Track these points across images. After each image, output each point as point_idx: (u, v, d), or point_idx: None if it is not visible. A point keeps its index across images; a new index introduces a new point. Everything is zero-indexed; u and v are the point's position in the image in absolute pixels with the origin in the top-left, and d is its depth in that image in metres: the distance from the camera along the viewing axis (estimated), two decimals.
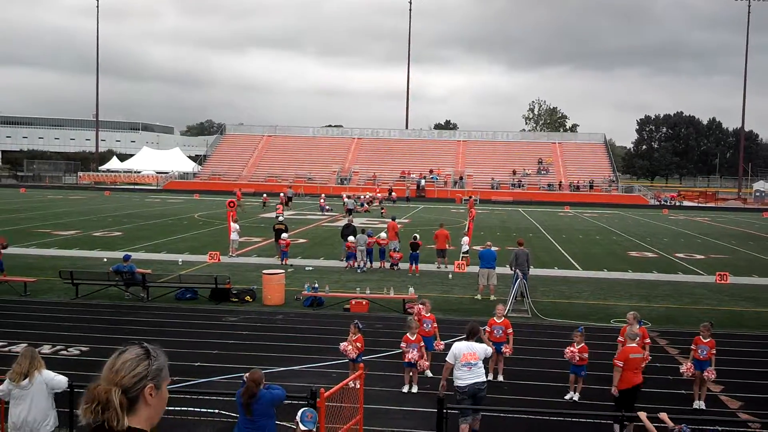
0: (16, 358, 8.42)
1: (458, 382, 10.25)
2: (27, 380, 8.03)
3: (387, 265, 26.72)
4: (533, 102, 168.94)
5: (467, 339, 10.57)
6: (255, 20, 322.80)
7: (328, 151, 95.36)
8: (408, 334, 12.61)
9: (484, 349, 10.57)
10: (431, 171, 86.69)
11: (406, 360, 12.55)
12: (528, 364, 14.36)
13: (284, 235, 27.54)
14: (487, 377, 11.09)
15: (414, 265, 25.72)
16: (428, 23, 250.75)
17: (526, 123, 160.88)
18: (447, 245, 27.45)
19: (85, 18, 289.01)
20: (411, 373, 12.74)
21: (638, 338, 11.43)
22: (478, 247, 25.24)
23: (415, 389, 12.64)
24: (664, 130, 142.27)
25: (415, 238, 26.66)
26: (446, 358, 10.55)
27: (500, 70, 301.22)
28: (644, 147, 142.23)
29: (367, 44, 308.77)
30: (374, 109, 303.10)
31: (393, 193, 73.85)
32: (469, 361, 10.24)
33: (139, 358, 2.78)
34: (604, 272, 27.51)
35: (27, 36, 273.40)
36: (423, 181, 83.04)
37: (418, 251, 25.94)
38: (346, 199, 53.37)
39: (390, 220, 29.32)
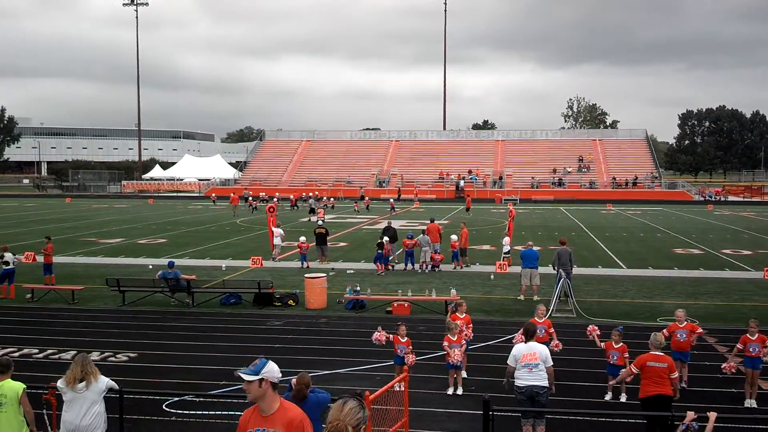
0: (69, 365, 8.59)
1: (517, 382, 10.21)
2: (82, 384, 8.20)
3: (425, 267, 26.66)
4: (571, 99, 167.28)
5: (525, 340, 10.50)
6: (287, 26, 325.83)
7: (367, 154, 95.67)
8: (449, 335, 12.58)
9: (545, 350, 10.45)
10: (470, 171, 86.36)
11: (449, 361, 12.53)
12: (572, 365, 14.21)
13: (302, 238, 27.79)
14: None
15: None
16: (458, 23, 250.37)
17: (565, 120, 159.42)
18: (467, 244, 27.84)
19: (119, 28, 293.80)
20: (455, 375, 12.70)
21: (664, 344, 10.63)
22: (519, 247, 25.07)
23: (459, 391, 12.59)
24: (707, 124, 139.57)
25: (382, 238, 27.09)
26: (507, 361, 10.50)
27: (532, 67, 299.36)
28: (687, 142, 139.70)
29: (399, 46, 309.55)
30: (410, 111, 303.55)
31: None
32: (529, 362, 10.17)
33: (359, 406, 4.14)
34: (649, 270, 27.11)
35: (65, 48, 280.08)
36: (462, 182, 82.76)
37: (381, 251, 26.31)
38: (311, 201, 57.22)
39: (429, 222, 29.26)
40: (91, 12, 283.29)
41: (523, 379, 10.16)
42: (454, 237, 27.45)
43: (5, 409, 8.21)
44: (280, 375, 5.17)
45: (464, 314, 13.92)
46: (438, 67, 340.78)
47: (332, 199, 60.59)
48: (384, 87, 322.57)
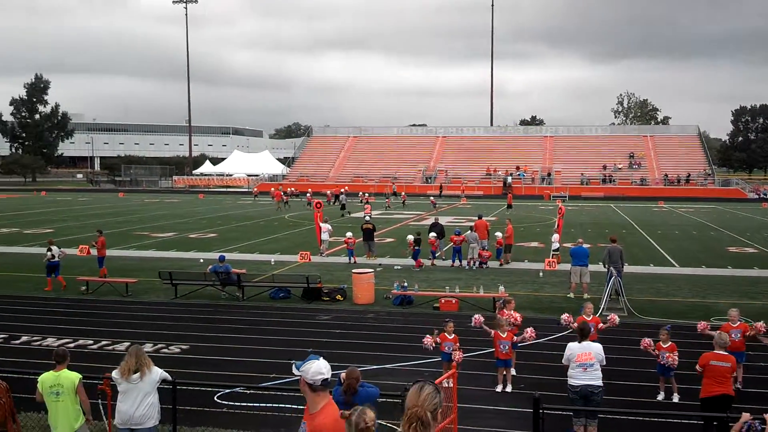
0: (123, 357, 8.77)
1: (571, 381, 10.14)
2: (136, 375, 8.36)
3: (473, 264, 26.53)
4: (621, 95, 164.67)
5: (580, 339, 10.41)
6: (335, 22, 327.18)
7: (413, 150, 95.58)
8: (498, 332, 12.51)
9: (600, 349, 10.34)
10: (518, 168, 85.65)
11: (499, 358, 12.46)
12: (623, 364, 14.00)
13: (349, 234, 27.86)
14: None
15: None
16: (504, 17, 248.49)
17: (615, 116, 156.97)
18: (512, 241, 27.83)
19: (170, 26, 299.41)
20: (504, 372, 12.63)
21: (729, 344, 10.51)
22: (569, 245, 24.79)
23: (509, 388, 12.52)
24: (761, 120, 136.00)
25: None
26: (562, 360, 10.42)
27: (581, 63, 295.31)
28: (740, 139, 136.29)
29: (446, 42, 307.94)
30: (456, 107, 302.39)
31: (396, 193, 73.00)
32: (584, 361, 10.08)
33: (435, 390, 4.06)
34: (702, 269, 26.56)
35: (117, 45, 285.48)
36: (509, 178, 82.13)
37: (419, 247, 26.74)
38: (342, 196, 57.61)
39: (477, 218, 29.10)
40: (142, 9, 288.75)
41: (578, 378, 10.06)
42: (498, 234, 27.38)
43: (62, 399, 8.41)
44: (320, 377, 4.86)
45: (513, 311, 13.84)
46: (484, 63, 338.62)
47: (366, 194, 61.11)
48: (430, 83, 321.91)
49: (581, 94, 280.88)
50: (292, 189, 72.47)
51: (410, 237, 27.73)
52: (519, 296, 19.26)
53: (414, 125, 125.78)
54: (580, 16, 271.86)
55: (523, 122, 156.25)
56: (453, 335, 12.55)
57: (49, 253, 22.06)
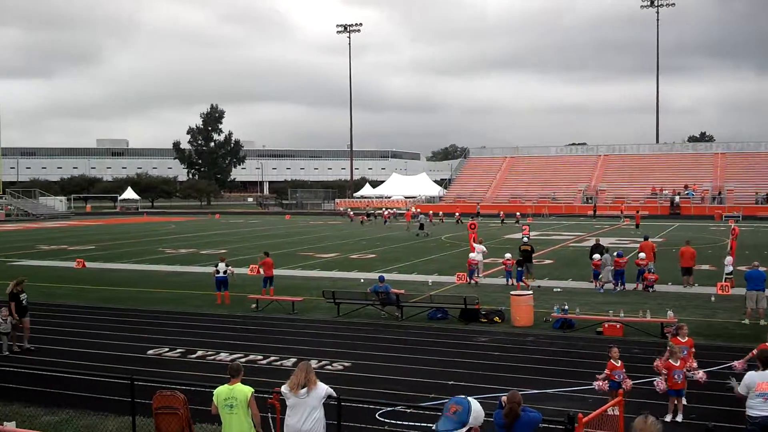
0: (289, 372, 9.17)
1: (750, 412, 9.55)
2: (304, 390, 8.71)
3: (641, 286, 25.48)
4: None
5: (761, 368, 9.78)
6: (488, 42, 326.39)
7: (573, 170, 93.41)
8: (671, 360, 11.92)
9: None
10: (686, 187, 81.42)
11: (670, 387, 11.87)
12: None
13: (471, 255, 27.41)
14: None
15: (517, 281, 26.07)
16: (667, 30, 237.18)
17: None
18: (693, 263, 26.03)
19: (330, 54, 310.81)
20: (675, 402, 12.01)
21: None
22: (743, 268, 23.24)
23: (679, 418, 11.88)
24: None
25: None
26: (738, 389, 9.84)
27: (752, 75, 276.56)
28: None
29: (603, 58, 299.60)
30: (616, 124, 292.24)
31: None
32: (765, 391, 9.48)
33: (657, 420, 4.14)
34: None
35: (284, 75, 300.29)
36: (677, 198, 78.20)
37: (521, 268, 26.42)
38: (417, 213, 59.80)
39: (643, 239, 27.96)
40: (308, 40, 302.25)
41: (757, 409, 9.45)
42: (642, 255, 26.21)
43: (236, 411, 8.87)
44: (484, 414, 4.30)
45: (686, 338, 13.19)
46: (645, 77, 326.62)
47: (431, 214, 62.47)
48: (588, 99, 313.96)
49: (754, 108, 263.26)
50: (368, 208, 77.91)
51: (508, 255, 27.22)
52: (689, 321, 18.19)
53: (573, 144, 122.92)
54: (748, 27, 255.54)
55: (692, 139, 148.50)
56: (620, 361, 12.08)
57: (214, 268, 23.79)
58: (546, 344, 17.71)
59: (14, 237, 55.65)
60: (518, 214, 66.61)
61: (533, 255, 29.01)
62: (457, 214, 69.93)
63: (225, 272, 23.60)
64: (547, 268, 32.25)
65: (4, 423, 8.70)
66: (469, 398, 4.27)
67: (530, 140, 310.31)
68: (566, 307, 19.92)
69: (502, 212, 69.00)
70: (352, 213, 76.69)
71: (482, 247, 29.47)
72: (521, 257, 28.09)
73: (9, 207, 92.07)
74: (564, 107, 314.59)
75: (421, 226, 53.94)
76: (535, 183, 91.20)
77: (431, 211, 70.68)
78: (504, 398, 7.76)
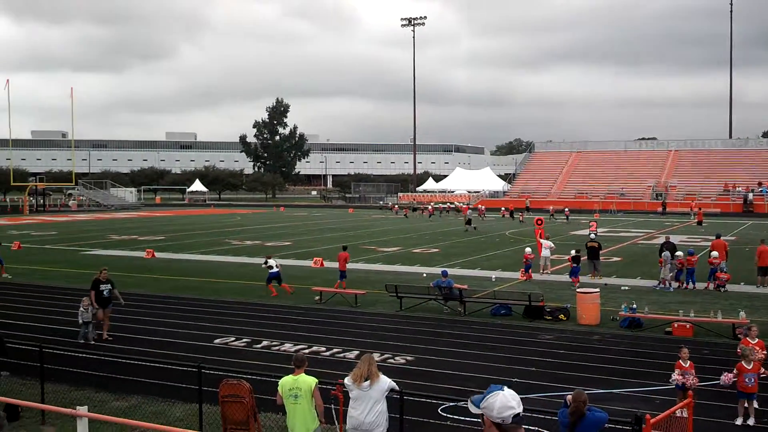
0: (352, 365, 9.21)
1: None
2: (367, 383, 8.73)
3: (712, 286, 24.75)
4: None
5: None
6: (554, 35, 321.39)
7: (642, 165, 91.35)
8: (743, 363, 11.54)
9: None
10: (760, 184, 78.69)
11: (741, 390, 11.50)
12: None
13: (572, 252, 26.90)
14: None
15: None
16: (742, 22, 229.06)
17: None
18: None
19: (393, 48, 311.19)
20: (746, 405, 11.62)
21: None
22: None
23: (751, 422, 11.50)
24: None
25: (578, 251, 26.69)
26: None
27: None
28: None
29: (671, 51, 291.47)
30: (687, 119, 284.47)
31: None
32: None
33: None
34: None
35: (349, 69, 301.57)
36: (751, 195, 75.66)
37: (577, 264, 26.02)
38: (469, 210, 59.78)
39: (715, 237, 27.16)
40: (369, 33, 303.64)
41: None
42: (714, 253, 25.37)
43: (300, 402, 8.96)
44: (509, 413, 3.69)
45: (756, 339, 12.76)
46: (717, 71, 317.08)
47: (482, 208, 62.10)
48: (658, 93, 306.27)
49: None
50: (412, 201, 79.22)
51: (573, 252, 26.71)
52: (762, 323, 17.64)
53: (642, 139, 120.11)
54: None
55: (766, 134, 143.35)
56: (689, 362, 11.77)
57: (264, 265, 24.81)
58: (613, 343, 17.36)
59: (86, 227, 57.48)
60: (567, 209, 65.40)
61: (600, 252, 28.48)
62: (503, 208, 70.41)
63: (275, 267, 24.28)
64: (615, 265, 31.63)
65: (77, 407, 8.97)
66: (501, 390, 3.78)
67: (597, 134, 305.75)
68: (634, 305, 19.49)
69: (552, 207, 67.94)
70: (396, 206, 78.96)
71: (550, 243, 29.09)
72: (588, 254, 27.65)
73: (81, 198, 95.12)
74: (632, 101, 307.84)
75: (468, 221, 53.60)
76: (603, 178, 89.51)
77: (482, 206, 70.27)
78: (569, 397, 7.63)
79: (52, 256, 35.67)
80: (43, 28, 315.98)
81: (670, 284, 25.05)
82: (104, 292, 17.86)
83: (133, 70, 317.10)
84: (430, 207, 74.80)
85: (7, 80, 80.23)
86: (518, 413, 3.71)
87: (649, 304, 21.08)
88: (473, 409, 3.83)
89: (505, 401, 3.70)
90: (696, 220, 56.88)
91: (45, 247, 40.70)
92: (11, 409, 10.67)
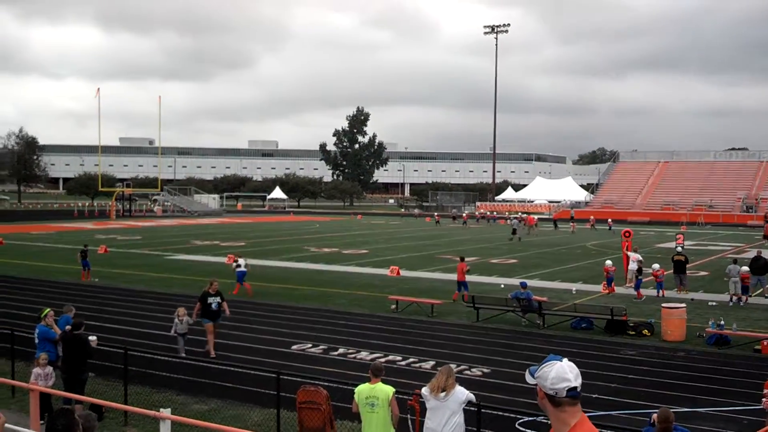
0: (428, 375, 9.14)
1: None
2: (444, 393, 8.65)
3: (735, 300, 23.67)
4: None
5: None
6: (635, 43, 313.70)
7: (731, 176, 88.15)
8: None
9: None
10: None
11: None
12: None
13: (655, 266, 25.98)
14: None
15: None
16: None
17: None
18: None
19: (475, 56, 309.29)
20: None
21: None
22: None
23: None
24: None
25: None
26: None
27: None
28: None
29: (759, 57, 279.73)
30: None
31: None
32: None
33: None
34: None
35: (428, 77, 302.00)
36: None
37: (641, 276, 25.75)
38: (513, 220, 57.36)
39: None
40: (453, 41, 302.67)
41: None
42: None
43: (377, 410, 8.94)
44: (564, 385, 3.40)
45: None
46: None
47: (533, 217, 61.15)
48: (749, 102, 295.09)
49: None
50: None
51: (656, 266, 25.82)
52: None
53: (733, 149, 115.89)
54: None
55: None
56: None
57: (234, 264, 26.66)
58: (698, 360, 16.74)
59: (170, 232, 59.16)
60: (610, 220, 63.38)
61: (687, 266, 27.54)
62: (571, 219, 68.90)
63: (245, 266, 25.90)
64: (702, 280, 30.54)
65: (161, 409, 9.20)
66: (559, 360, 3.50)
67: (683, 144, 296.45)
68: (722, 322, 18.73)
69: (592, 217, 66.16)
70: (438, 215, 79.64)
71: (638, 256, 28.16)
72: (674, 268, 26.77)
73: (166, 203, 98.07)
74: (721, 110, 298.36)
75: (513, 231, 52.67)
76: (690, 189, 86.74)
77: (534, 215, 68.63)
78: (655, 416, 7.37)
79: (136, 261, 36.83)
80: (132, 38, 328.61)
81: (739, 299, 24.13)
82: (213, 305, 16.76)
83: (216, 79, 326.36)
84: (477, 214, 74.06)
85: (98, 89, 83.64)
86: (574, 387, 3.46)
87: (738, 320, 20.25)
88: (529, 379, 3.59)
89: (561, 372, 3.44)
90: (762, 234, 54.33)
91: (130, 251, 42.07)
92: (95, 410, 11.03)
